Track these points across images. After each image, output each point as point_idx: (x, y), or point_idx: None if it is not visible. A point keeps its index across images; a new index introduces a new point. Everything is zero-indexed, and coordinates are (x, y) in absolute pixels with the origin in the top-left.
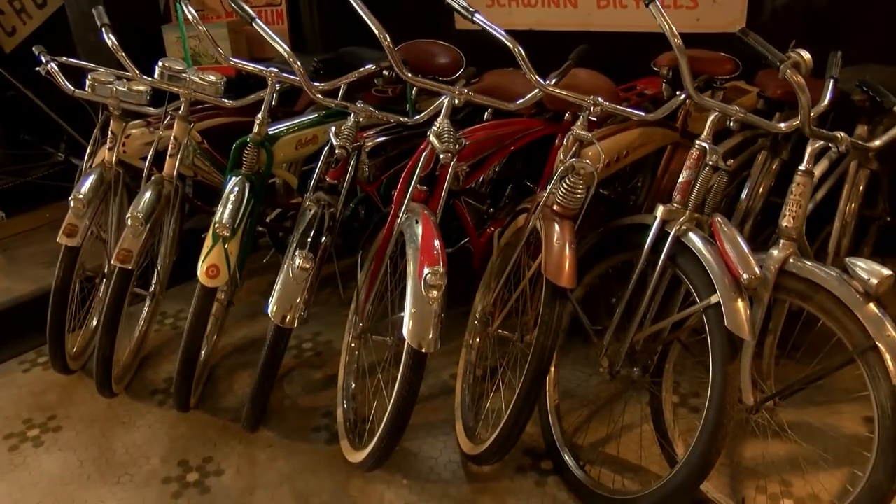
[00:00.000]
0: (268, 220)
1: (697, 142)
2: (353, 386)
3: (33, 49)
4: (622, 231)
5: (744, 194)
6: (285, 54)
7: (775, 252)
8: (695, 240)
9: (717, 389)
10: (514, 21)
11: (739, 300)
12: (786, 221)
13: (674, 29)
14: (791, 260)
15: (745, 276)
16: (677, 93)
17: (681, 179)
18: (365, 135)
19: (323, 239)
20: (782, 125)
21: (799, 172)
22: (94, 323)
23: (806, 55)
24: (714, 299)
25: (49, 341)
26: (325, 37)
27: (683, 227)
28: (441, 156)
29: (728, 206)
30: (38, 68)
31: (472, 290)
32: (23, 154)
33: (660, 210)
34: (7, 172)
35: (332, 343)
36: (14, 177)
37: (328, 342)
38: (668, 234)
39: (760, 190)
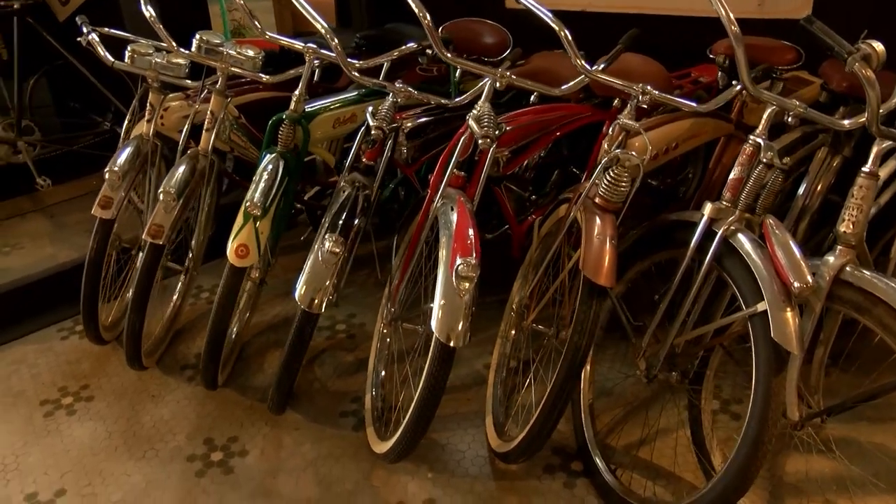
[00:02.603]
0: (306, 197)
1: (751, 137)
2: (383, 373)
3: (76, 19)
4: (668, 227)
5: (800, 192)
6: (322, 30)
7: (831, 259)
8: (743, 242)
9: (760, 403)
10: (567, 2)
11: (788, 310)
12: (844, 226)
13: (731, 15)
14: (848, 268)
15: (796, 284)
16: (733, 83)
17: (732, 176)
18: (404, 115)
19: (356, 221)
20: (846, 122)
21: (862, 174)
22: (130, 294)
23: (878, 47)
24: (761, 307)
25: (82, 312)
26: (372, 11)
27: (732, 228)
28: (480, 141)
29: (782, 203)
30: (79, 38)
31: (511, 278)
32: (71, 122)
33: (707, 208)
34: (55, 140)
35: (366, 326)
36: (62, 145)
37: (362, 325)
38: (716, 233)
39: (818, 188)
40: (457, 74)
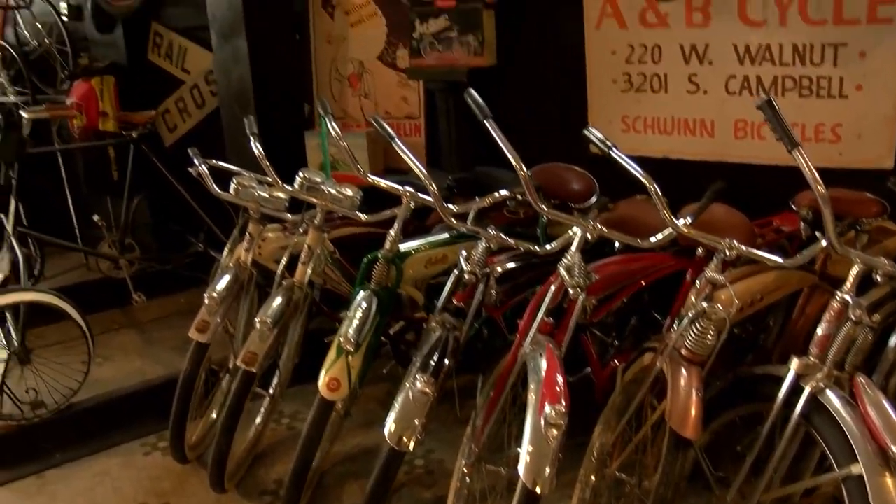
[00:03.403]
0: (391, 332)
1: (839, 294)
2: None
3: (188, 151)
4: (753, 380)
5: (890, 344)
6: (422, 176)
7: None
8: (833, 400)
9: None
10: (649, 148)
11: (887, 475)
12: None
13: (817, 176)
14: None
15: (894, 447)
16: (817, 234)
17: (819, 333)
18: (495, 260)
19: (446, 362)
20: None
21: None
22: (214, 416)
23: None
24: (856, 470)
25: (171, 430)
26: (460, 152)
27: (821, 385)
28: (570, 290)
29: (871, 356)
30: (189, 168)
31: (590, 421)
32: (167, 242)
33: (794, 363)
34: (152, 259)
35: (444, 462)
36: (158, 263)
37: (440, 461)
38: (803, 389)
39: None
40: (544, 218)
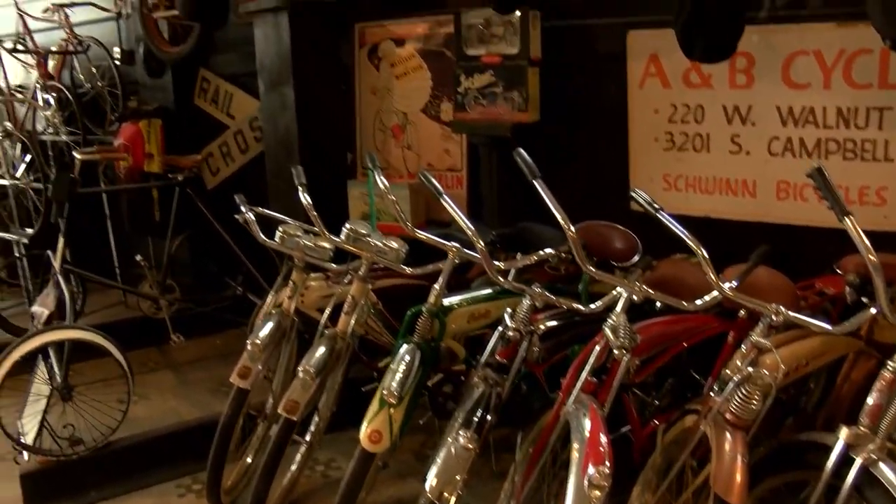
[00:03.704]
0: (430, 383)
1: (890, 364)
2: None
3: (235, 197)
4: (798, 447)
5: None
6: (469, 233)
7: None
8: (887, 473)
9: None
10: (691, 207)
11: None
12: None
13: (867, 243)
14: None
15: None
16: (864, 300)
17: (870, 402)
18: (538, 317)
19: (488, 418)
20: None
21: None
22: (249, 460)
23: None
24: None
25: (208, 474)
26: (502, 206)
27: (873, 457)
28: (616, 351)
29: None
30: (236, 216)
31: (627, 480)
32: (206, 283)
33: (844, 432)
34: (191, 300)
35: None
36: (197, 304)
37: None
38: (853, 459)
39: None
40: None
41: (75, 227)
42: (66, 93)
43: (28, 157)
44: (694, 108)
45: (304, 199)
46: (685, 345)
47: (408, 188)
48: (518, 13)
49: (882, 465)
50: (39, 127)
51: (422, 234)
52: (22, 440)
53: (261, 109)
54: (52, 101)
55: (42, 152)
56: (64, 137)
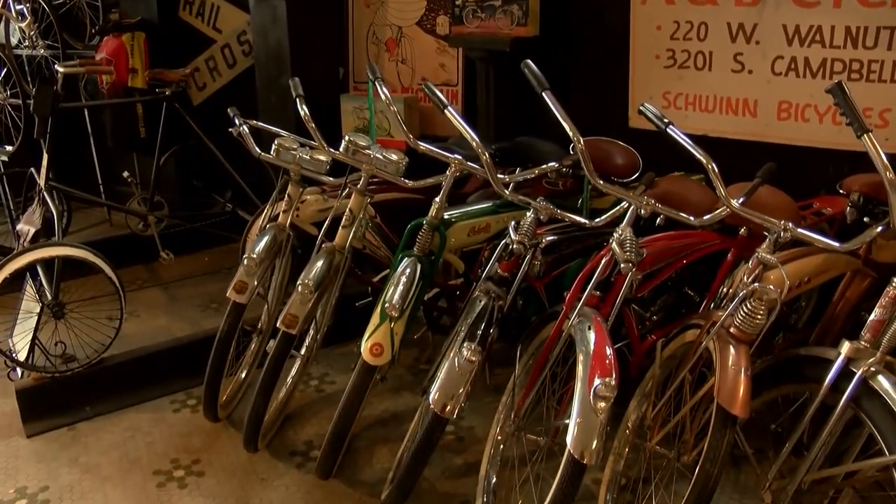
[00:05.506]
0: (425, 297)
1: (895, 280)
2: (495, 480)
3: (228, 111)
4: (797, 361)
5: None
6: (475, 145)
7: None
8: (885, 385)
9: None
10: (690, 125)
11: None
12: None
13: (884, 159)
14: None
15: None
16: (865, 219)
17: (873, 318)
18: (541, 231)
19: (491, 331)
20: None
21: None
22: (244, 375)
23: None
24: None
25: (205, 389)
26: (498, 121)
27: (873, 370)
28: (622, 265)
29: None
30: (230, 129)
31: (624, 393)
32: (193, 201)
33: (845, 347)
34: (180, 217)
35: (475, 430)
36: (186, 221)
37: (471, 428)
38: (853, 373)
39: None
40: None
41: (56, 144)
42: (42, 3)
43: (3, 72)
44: (697, 25)
45: (303, 110)
46: (685, 261)
47: (402, 102)
48: None
49: (881, 377)
50: (14, 40)
51: (424, 146)
52: (15, 357)
53: (251, 23)
54: (26, 12)
55: (19, 68)
56: (42, 52)
